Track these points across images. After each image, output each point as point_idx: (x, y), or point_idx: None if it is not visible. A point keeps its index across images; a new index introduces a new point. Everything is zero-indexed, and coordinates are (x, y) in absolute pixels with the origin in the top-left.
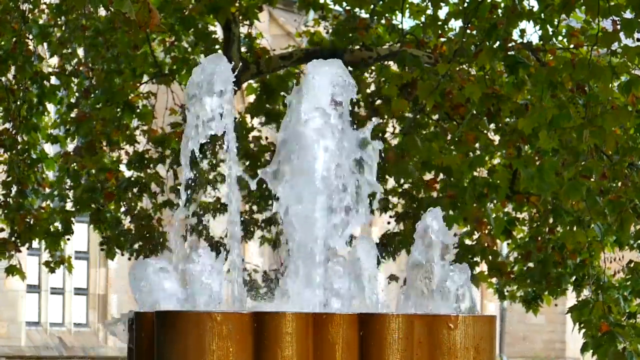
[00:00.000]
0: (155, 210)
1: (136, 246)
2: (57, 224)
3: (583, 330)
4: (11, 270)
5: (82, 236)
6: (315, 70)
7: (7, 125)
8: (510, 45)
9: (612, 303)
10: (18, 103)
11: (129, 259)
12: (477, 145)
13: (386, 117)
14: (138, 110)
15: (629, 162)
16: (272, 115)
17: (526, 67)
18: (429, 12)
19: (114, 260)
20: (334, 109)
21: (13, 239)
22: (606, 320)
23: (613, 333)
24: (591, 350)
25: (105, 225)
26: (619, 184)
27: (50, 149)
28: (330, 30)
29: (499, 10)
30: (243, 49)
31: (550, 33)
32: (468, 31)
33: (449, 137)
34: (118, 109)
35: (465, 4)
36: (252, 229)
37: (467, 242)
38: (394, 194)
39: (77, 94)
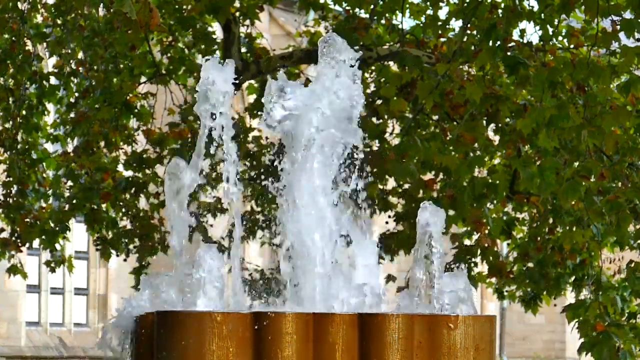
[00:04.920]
0: (153, 210)
1: (132, 247)
2: (53, 224)
3: (580, 330)
4: (13, 270)
5: (82, 236)
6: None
7: (7, 125)
8: (510, 45)
9: (608, 303)
10: (18, 103)
11: (125, 260)
12: (476, 145)
13: (386, 117)
14: (136, 111)
15: (628, 162)
16: None
17: (526, 67)
18: (429, 12)
19: (109, 261)
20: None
21: (14, 238)
22: (602, 320)
23: (608, 333)
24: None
25: (102, 225)
26: (619, 184)
27: (51, 149)
28: (330, 30)
29: (499, 10)
30: (243, 49)
31: (550, 33)
32: (468, 31)
33: (448, 137)
34: (116, 109)
35: (465, 4)
36: (254, 229)
37: (467, 242)
38: (393, 194)
39: (76, 94)
